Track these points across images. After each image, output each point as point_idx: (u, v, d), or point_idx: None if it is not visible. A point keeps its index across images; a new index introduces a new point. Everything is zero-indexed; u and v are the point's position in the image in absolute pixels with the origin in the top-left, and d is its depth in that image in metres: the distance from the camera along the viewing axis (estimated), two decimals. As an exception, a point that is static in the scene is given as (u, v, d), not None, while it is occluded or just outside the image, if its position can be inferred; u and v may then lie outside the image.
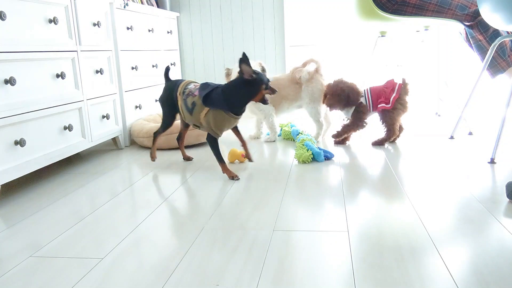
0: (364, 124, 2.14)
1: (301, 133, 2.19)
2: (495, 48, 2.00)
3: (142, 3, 2.78)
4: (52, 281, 0.97)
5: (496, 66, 2.09)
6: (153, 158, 1.98)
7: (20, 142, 1.55)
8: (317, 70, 2.27)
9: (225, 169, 1.73)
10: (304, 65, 2.28)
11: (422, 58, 3.05)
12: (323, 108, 2.29)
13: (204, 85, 1.74)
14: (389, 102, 2.06)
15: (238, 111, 1.72)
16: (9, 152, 1.52)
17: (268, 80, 1.70)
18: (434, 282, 0.89)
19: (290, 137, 2.34)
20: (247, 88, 1.68)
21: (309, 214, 1.29)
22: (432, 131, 2.41)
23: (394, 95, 2.07)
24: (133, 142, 2.46)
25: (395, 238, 1.10)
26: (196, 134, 2.28)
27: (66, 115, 1.86)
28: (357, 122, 2.13)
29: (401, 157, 1.90)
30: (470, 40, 2.16)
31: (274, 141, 2.37)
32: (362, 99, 2.12)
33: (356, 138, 2.33)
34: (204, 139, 2.30)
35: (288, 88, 2.30)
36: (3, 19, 1.49)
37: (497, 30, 2.05)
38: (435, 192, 1.44)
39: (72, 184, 1.73)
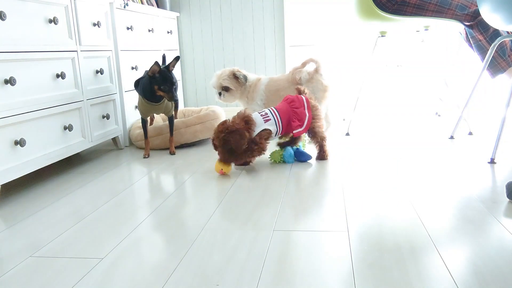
0: (265, 150, 1.82)
1: None
2: (495, 48, 2.00)
3: (142, 3, 2.78)
4: (52, 281, 0.97)
5: (496, 66, 2.09)
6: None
7: (20, 142, 1.55)
8: (317, 70, 2.26)
9: (146, 144, 2.17)
10: (304, 65, 2.28)
11: (422, 58, 3.05)
12: (324, 107, 2.29)
13: (145, 72, 2.11)
14: (303, 125, 1.85)
15: (151, 99, 2.08)
16: (9, 152, 1.52)
17: (164, 85, 2.01)
18: (434, 282, 0.89)
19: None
20: (150, 83, 2.03)
21: (309, 214, 1.29)
22: (432, 131, 2.41)
23: (307, 116, 1.86)
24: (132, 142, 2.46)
25: (395, 238, 1.10)
26: (193, 131, 2.28)
27: (66, 115, 1.86)
28: (258, 151, 1.79)
29: (401, 157, 1.90)
30: (470, 40, 2.16)
31: None
32: (268, 125, 1.81)
33: (356, 138, 2.33)
34: (202, 136, 2.31)
35: (287, 89, 2.30)
36: (3, 19, 1.49)
37: (497, 30, 2.05)
38: (435, 192, 1.44)
39: (72, 184, 1.73)
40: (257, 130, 1.79)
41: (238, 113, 1.80)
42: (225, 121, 1.75)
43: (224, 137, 1.70)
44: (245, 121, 1.76)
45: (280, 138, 1.95)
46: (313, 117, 1.89)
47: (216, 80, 2.32)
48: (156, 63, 1.98)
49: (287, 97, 1.93)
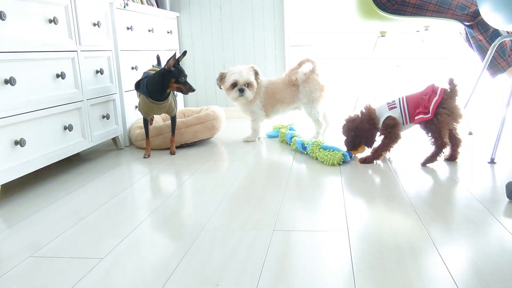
0: (399, 138, 1.81)
1: (296, 136, 2.18)
2: (495, 48, 2.00)
3: (142, 3, 2.78)
4: (52, 281, 0.97)
5: (496, 66, 2.09)
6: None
7: (20, 142, 1.55)
8: (313, 70, 2.27)
9: (147, 144, 2.15)
10: (300, 65, 2.28)
11: (422, 58, 3.05)
12: (322, 107, 2.30)
13: (144, 74, 2.16)
14: (429, 112, 1.71)
15: (157, 97, 2.05)
16: (9, 152, 1.52)
17: (182, 77, 2.02)
18: (434, 282, 0.89)
19: (284, 139, 2.32)
20: (163, 78, 2.02)
21: (309, 214, 1.29)
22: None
23: (435, 99, 1.70)
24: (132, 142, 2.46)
25: (395, 238, 1.10)
26: (193, 131, 2.28)
27: (66, 115, 1.85)
28: (389, 140, 1.80)
29: (401, 157, 1.90)
30: (470, 40, 2.16)
31: (253, 141, 2.38)
32: (392, 112, 1.80)
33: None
34: (202, 136, 2.31)
35: (284, 91, 2.30)
36: (3, 19, 1.49)
37: (497, 30, 2.05)
38: (435, 192, 1.44)
39: (72, 184, 1.73)
40: (381, 120, 1.83)
41: (364, 109, 1.87)
42: (354, 119, 1.88)
43: (353, 135, 1.87)
44: (370, 118, 1.84)
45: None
46: (438, 114, 1.70)
47: (242, 75, 2.22)
48: (174, 56, 2.00)
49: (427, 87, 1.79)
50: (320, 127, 2.30)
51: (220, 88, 2.34)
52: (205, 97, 3.30)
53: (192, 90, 2.04)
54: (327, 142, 2.20)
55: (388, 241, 1.09)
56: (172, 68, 2.01)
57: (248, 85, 2.25)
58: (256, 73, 2.29)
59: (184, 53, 2.08)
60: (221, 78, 2.29)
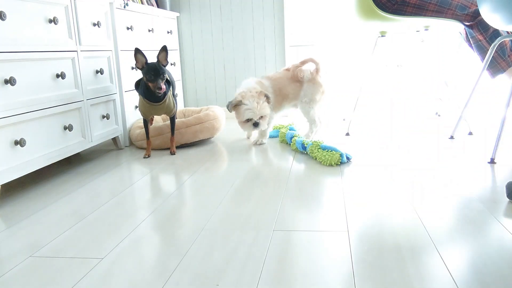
0: None
1: (296, 136, 2.18)
2: (495, 48, 2.00)
3: (142, 3, 2.78)
4: (52, 281, 0.97)
5: (496, 66, 2.09)
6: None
7: (20, 142, 1.55)
8: (316, 71, 2.27)
9: (147, 144, 2.16)
10: (303, 63, 2.28)
11: (422, 58, 3.05)
12: (320, 109, 2.30)
13: None
14: None
15: (151, 98, 2.06)
16: (9, 152, 1.52)
17: (148, 75, 1.98)
18: (434, 282, 0.89)
19: (284, 139, 2.32)
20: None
21: (309, 214, 1.29)
22: (432, 131, 2.41)
23: None
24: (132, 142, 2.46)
25: (395, 238, 1.10)
26: (193, 131, 2.28)
27: (66, 115, 1.85)
28: None
29: (401, 157, 1.90)
30: (470, 40, 2.16)
31: (264, 143, 2.33)
32: None
33: (356, 138, 2.33)
34: (202, 136, 2.31)
35: (289, 87, 2.29)
36: (3, 19, 1.49)
37: (497, 30, 2.05)
38: (435, 192, 1.44)
39: (72, 184, 1.73)
40: None
41: None
42: None
43: None
44: None
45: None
46: None
47: (255, 112, 2.10)
48: (137, 50, 1.96)
49: None
50: (316, 127, 2.30)
51: (230, 112, 2.22)
52: (205, 97, 3.30)
53: (158, 88, 1.96)
54: (326, 142, 2.20)
55: (388, 241, 1.09)
56: (144, 66, 2.00)
57: (262, 117, 2.16)
58: (267, 98, 2.17)
59: (163, 48, 2.01)
60: (235, 107, 2.16)
